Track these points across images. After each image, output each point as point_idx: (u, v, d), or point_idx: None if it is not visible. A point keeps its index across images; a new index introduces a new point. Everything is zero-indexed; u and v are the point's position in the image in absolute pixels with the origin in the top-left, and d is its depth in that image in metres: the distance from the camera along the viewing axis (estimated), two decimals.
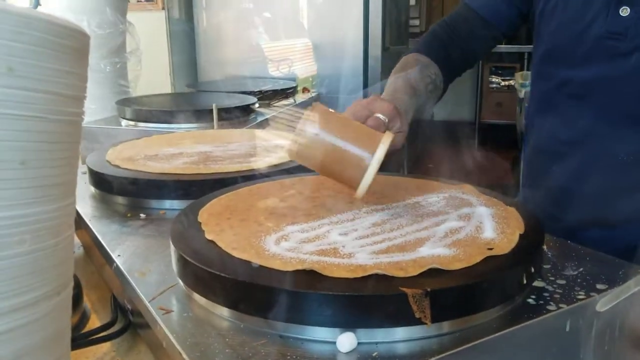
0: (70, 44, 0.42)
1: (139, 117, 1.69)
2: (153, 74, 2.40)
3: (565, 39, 0.96)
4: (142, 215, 0.91)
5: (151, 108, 1.71)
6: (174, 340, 0.55)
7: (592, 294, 0.61)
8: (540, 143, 1.07)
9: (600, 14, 0.91)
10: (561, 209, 1.01)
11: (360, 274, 0.56)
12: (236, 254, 0.61)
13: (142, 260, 0.74)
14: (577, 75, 0.96)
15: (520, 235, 0.66)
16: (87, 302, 0.88)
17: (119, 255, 0.76)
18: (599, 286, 0.63)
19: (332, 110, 0.78)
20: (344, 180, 0.75)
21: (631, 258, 0.83)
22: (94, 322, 0.83)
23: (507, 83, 5.02)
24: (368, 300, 0.53)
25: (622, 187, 0.96)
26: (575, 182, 1.00)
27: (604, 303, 0.56)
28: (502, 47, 4.53)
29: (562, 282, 0.64)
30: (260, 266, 0.59)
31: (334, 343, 0.53)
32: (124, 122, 1.74)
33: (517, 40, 4.64)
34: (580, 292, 0.62)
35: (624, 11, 0.89)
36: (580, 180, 0.99)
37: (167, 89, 2.60)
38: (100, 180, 0.98)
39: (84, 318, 0.84)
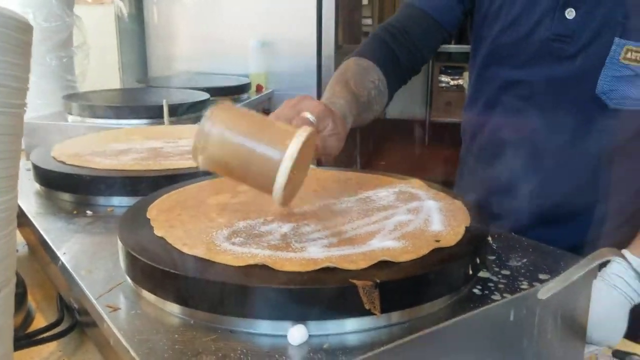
0: (12, 34, 0.41)
1: (86, 113, 1.64)
2: (101, 69, 2.34)
3: (511, 41, 0.97)
4: (89, 213, 0.89)
5: (99, 103, 1.67)
6: (121, 338, 0.54)
7: (534, 283, 0.64)
8: (482, 143, 1.09)
9: (546, 17, 0.93)
10: (504, 209, 1.00)
11: (311, 268, 0.57)
12: (186, 250, 0.61)
13: (89, 258, 0.73)
14: (522, 76, 0.98)
15: (466, 228, 0.68)
16: (31, 302, 0.86)
17: (64, 253, 0.75)
18: (541, 276, 0.65)
19: (241, 108, 0.70)
20: (257, 185, 0.67)
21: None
22: (40, 322, 0.81)
23: (456, 82, 5.12)
24: (318, 292, 0.54)
25: (565, 187, 0.99)
26: (518, 182, 1.01)
27: (545, 291, 0.58)
28: (452, 47, 4.62)
29: (507, 272, 0.67)
30: (211, 262, 0.58)
31: (285, 336, 0.54)
32: (70, 118, 1.69)
33: (466, 40, 4.75)
34: (523, 282, 0.64)
35: (570, 14, 0.91)
36: (524, 180, 1.01)
37: (115, 84, 2.53)
38: (45, 177, 0.96)
39: (28, 318, 0.82)
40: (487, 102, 1.05)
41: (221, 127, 0.65)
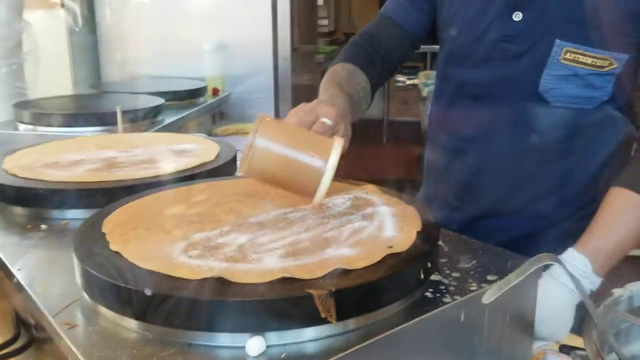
0: None
1: (38, 121, 1.61)
2: (52, 75, 2.28)
3: (466, 42, 1.04)
4: (43, 226, 0.87)
5: (52, 111, 1.64)
6: (80, 355, 0.54)
7: (483, 285, 0.66)
8: (443, 140, 1.15)
9: (496, 19, 0.99)
10: (462, 200, 1.09)
11: (268, 279, 0.58)
12: (142, 264, 0.61)
13: (45, 274, 0.72)
14: (475, 76, 1.04)
15: (418, 233, 0.70)
16: None
17: (19, 269, 0.74)
18: (489, 277, 0.68)
19: (278, 120, 0.79)
20: (299, 191, 0.76)
21: (524, 245, 0.90)
22: None
23: (411, 82, 5.19)
24: (275, 303, 0.55)
25: (513, 181, 1.04)
26: (473, 176, 1.08)
27: (488, 295, 0.61)
28: None
29: (457, 274, 0.69)
30: (167, 276, 0.59)
31: (244, 348, 0.55)
32: (21, 127, 1.66)
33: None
34: (472, 284, 0.67)
35: (517, 16, 0.97)
36: (477, 174, 1.07)
37: (67, 90, 2.48)
38: None
39: None
40: (448, 101, 1.12)
41: (266, 140, 0.73)
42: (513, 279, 0.55)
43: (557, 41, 0.94)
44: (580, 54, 0.93)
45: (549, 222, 1.05)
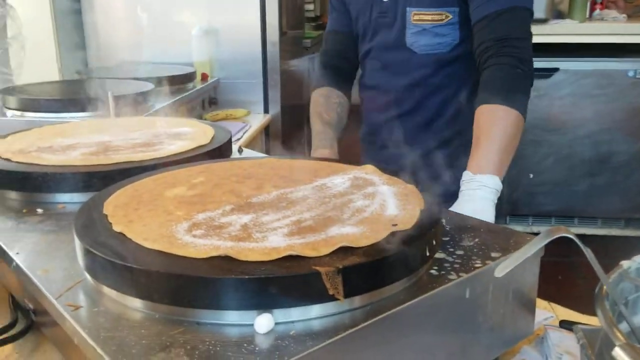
0: None
1: (26, 107, 1.59)
2: (38, 61, 2.25)
3: (362, 24, 1.42)
4: (40, 210, 0.86)
5: (39, 97, 1.62)
6: (86, 336, 0.54)
7: (487, 262, 0.67)
8: (365, 102, 1.53)
9: (374, 4, 1.37)
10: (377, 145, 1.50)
11: (274, 256, 0.57)
12: (148, 244, 0.61)
13: (44, 257, 0.71)
14: (372, 45, 1.41)
15: (421, 211, 0.70)
16: None
17: (17, 253, 0.73)
18: (493, 254, 0.68)
19: None
20: None
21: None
22: None
23: None
24: (283, 280, 0.55)
25: (405, 118, 1.39)
26: (380, 123, 1.47)
27: (501, 269, 0.61)
28: None
29: (461, 252, 0.69)
30: (174, 255, 0.58)
31: (252, 325, 0.54)
32: (9, 113, 1.63)
33: None
34: (477, 261, 0.67)
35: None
36: (383, 122, 1.46)
37: (54, 76, 2.44)
38: None
39: None
40: (362, 69, 1.50)
41: None
42: (526, 252, 0.55)
43: (407, 9, 1.31)
44: (423, 14, 1.30)
45: (429, 151, 1.33)
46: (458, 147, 1.34)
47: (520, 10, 1.20)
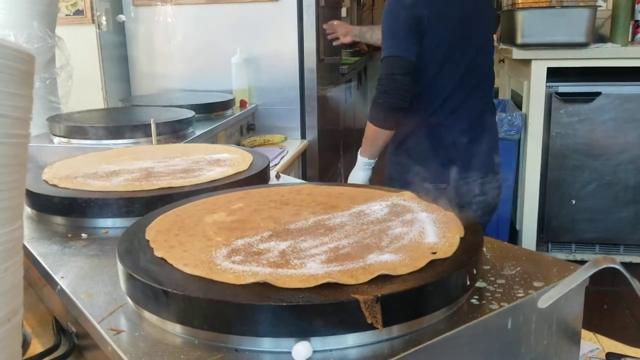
0: (16, 66, 0.42)
1: (72, 134, 1.64)
2: (84, 90, 2.33)
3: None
4: (84, 235, 0.89)
5: (85, 124, 1.67)
6: None
7: (530, 291, 0.65)
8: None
9: None
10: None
11: (312, 284, 0.57)
12: (188, 270, 0.61)
13: (88, 281, 0.73)
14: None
15: (461, 239, 0.69)
16: (26, 327, 0.85)
17: (62, 277, 0.74)
18: (536, 284, 0.67)
19: None
20: None
21: None
22: (35, 347, 0.80)
23: None
24: (321, 308, 0.55)
25: None
26: None
27: (545, 300, 0.59)
28: None
29: (502, 281, 0.68)
30: (213, 281, 0.59)
31: (290, 353, 0.54)
32: (56, 140, 1.69)
33: None
34: (519, 291, 0.65)
35: None
36: None
37: (99, 104, 2.52)
38: (37, 201, 0.95)
39: (24, 343, 0.81)
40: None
41: None
42: (571, 283, 0.54)
43: None
44: None
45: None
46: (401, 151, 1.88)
47: (386, 58, 1.74)
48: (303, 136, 2.68)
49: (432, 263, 0.63)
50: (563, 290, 0.55)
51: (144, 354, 0.55)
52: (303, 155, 2.65)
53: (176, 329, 0.59)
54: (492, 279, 0.69)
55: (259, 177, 1.06)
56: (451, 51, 1.75)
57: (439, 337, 0.58)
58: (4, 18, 1.78)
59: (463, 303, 0.63)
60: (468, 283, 0.63)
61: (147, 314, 0.62)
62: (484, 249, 0.75)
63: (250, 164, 1.11)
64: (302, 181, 1.15)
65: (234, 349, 0.56)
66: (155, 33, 2.67)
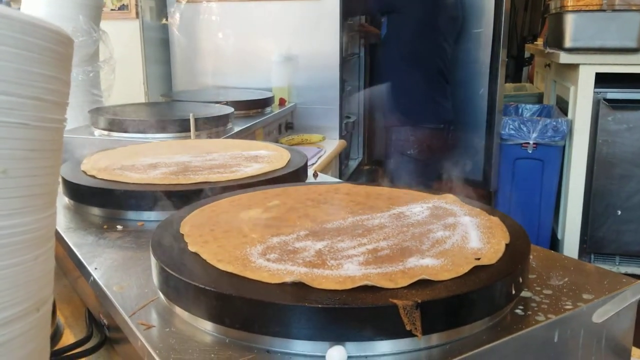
0: (55, 48, 0.41)
1: (113, 127, 1.65)
2: (126, 84, 2.36)
3: None
4: (119, 227, 0.88)
5: (126, 117, 1.68)
6: (156, 357, 0.53)
7: (579, 303, 0.61)
8: None
9: None
10: None
11: (349, 286, 0.55)
12: (221, 266, 0.60)
13: (121, 274, 0.72)
14: None
15: (506, 245, 0.66)
16: (60, 317, 0.85)
17: (95, 269, 0.74)
18: (585, 296, 0.63)
19: None
20: None
21: None
22: (68, 337, 0.80)
23: None
24: (358, 312, 0.52)
25: None
26: None
27: (600, 314, 0.56)
28: None
29: (549, 292, 0.64)
30: (247, 278, 0.57)
31: (323, 357, 0.52)
32: (97, 132, 1.70)
33: None
34: (567, 302, 0.62)
35: None
36: None
37: (140, 98, 2.55)
38: (75, 191, 0.96)
39: (57, 333, 0.81)
40: None
41: None
42: (630, 297, 0.50)
43: None
44: None
45: None
46: None
47: None
48: (341, 136, 2.65)
49: (475, 270, 0.60)
50: (622, 304, 0.52)
51: (173, 350, 0.54)
52: (341, 155, 2.63)
53: (207, 326, 0.57)
54: (538, 289, 0.65)
55: (296, 175, 1.04)
56: None
57: (480, 348, 0.54)
58: (51, 11, 1.81)
59: (507, 313, 0.60)
60: (513, 292, 0.60)
61: (178, 310, 0.60)
62: (530, 257, 0.72)
63: (288, 161, 1.09)
64: (340, 180, 1.13)
65: (266, 350, 0.54)
66: (197, 30, 2.68)
